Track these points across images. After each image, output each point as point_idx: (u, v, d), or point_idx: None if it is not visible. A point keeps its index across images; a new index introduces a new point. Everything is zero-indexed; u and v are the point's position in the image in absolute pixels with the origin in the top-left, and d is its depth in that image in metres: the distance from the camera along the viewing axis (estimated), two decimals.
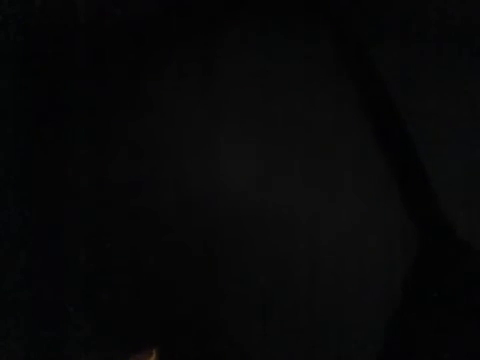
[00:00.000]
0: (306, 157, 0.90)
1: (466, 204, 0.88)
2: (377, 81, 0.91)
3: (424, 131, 0.90)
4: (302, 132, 0.90)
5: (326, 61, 0.91)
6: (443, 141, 0.89)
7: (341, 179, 0.89)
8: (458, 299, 0.85)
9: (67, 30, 0.89)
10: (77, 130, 0.89)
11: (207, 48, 0.90)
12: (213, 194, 0.88)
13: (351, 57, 0.91)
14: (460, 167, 0.89)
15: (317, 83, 0.91)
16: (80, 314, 0.87)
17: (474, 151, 0.89)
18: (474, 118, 0.90)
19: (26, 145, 0.89)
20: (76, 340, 0.86)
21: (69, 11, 0.89)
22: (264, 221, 0.88)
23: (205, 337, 0.87)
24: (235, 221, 0.88)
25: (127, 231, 0.88)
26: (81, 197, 0.88)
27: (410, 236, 0.88)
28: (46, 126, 0.89)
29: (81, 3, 0.89)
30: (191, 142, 0.89)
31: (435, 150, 0.89)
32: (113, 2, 0.89)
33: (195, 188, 0.88)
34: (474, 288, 0.86)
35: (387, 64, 0.90)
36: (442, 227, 0.88)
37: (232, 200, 0.88)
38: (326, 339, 0.87)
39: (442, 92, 0.90)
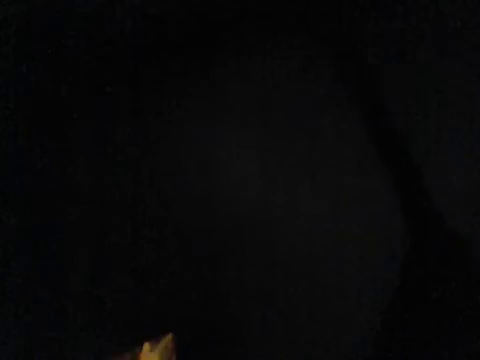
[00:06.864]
0: (307, 159, 0.90)
1: (467, 204, 0.88)
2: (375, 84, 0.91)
3: (423, 131, 0.90)
4: (304, 136, 0.90)
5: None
6: (442, 141, 0.90)
7: (341, 180, 0.90)
8: (458, 299, 0.86)
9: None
10: (78, 131, 0.90)
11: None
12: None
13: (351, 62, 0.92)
14: (460, 167, 0.89)
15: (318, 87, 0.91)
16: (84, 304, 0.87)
17: (473, 151, 0.90)
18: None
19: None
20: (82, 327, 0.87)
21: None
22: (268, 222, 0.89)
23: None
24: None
25: (131, 228, 0.88)
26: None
27: (410, 236, 0.88)
28: (44, 126, 0.89)
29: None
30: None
31: (434, 150, 0.90)
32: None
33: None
34: (474, 288, 0.86)
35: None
36: (442, 227, 0.88)
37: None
38: (326, 338, 0.87)
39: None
